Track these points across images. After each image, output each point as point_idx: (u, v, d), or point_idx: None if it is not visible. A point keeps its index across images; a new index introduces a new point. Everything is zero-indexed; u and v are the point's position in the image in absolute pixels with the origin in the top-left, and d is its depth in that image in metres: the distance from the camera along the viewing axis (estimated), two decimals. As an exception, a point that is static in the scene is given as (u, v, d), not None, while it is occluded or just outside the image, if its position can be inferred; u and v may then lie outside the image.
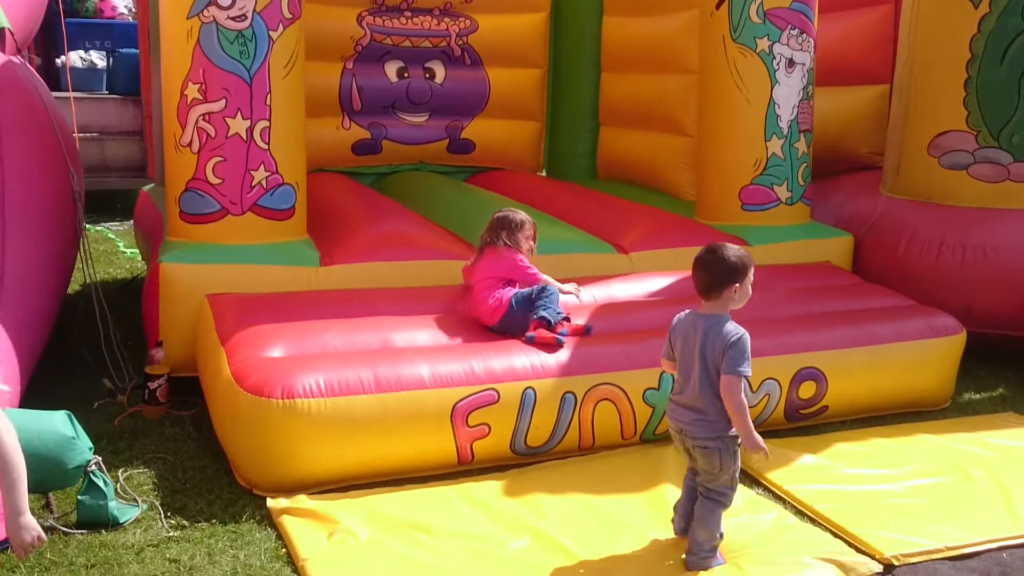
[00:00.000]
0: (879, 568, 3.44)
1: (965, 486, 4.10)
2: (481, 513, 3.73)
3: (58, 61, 9.78)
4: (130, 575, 3.26)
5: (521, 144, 8.02)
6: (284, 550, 3.45)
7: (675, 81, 7.02)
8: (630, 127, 7.64)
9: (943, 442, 4.55)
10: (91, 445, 3.57)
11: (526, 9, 7.78)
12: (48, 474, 3.43)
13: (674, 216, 6.19)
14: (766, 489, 4.05)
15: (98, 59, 10.07)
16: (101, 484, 3.52)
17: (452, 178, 7.56)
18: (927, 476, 4.17)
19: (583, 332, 4.45)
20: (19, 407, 3.72)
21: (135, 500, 3.73)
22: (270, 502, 3.74)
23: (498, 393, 4.04)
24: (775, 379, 4.52)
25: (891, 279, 5.74)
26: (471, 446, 4.05)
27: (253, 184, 4.87)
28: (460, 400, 3.99)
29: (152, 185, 6.98)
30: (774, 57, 5.83)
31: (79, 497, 3.52)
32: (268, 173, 4.89)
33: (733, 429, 3.29)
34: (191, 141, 4.81)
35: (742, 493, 3.76)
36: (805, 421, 4.70)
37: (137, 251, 7.55)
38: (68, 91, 6.84)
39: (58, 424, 3.47)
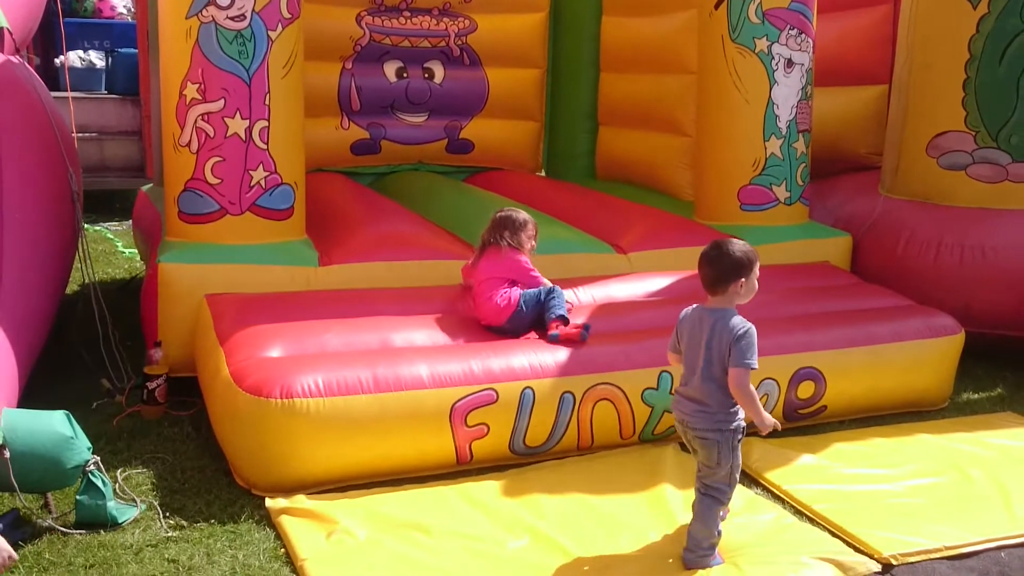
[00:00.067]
0: (878, 568, 3.44)
1: (964, 486, 4.11)
2: (480, 513, 3.73)
3: (57, 61, 9.78)
4: (129, 575, 3.26)
5: (520, 144, 8.02)
6: (283, 550, 3.46)
7: (674, 81, 7.02)
8: (629, 127, 7.64)
9: (942, 442, 4.55)
10: (90, 445, 3.57)
11: (525, 9, 7.78)
12: (46, 474, 3.43)
13: (673, 216, 6.19)
14: (765, 489, 4.05)
15: (97, 59, 10.06)
16: (100, 484, 3.52)
17: (451, 178, 7.55)
18: (926, 476, 4.17)
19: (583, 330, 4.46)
20: (18, 407, 3.72)
21: (134, 500, 3.73)
22: (269, 502, 3.74)
23: (497, 393, 4.05)
24: (774, 379, 4.53)
25: (890, 279, 5.74)
26: (470, 446, 4.05)
27: (252, 184, 4.87)
28: (459, 400, 3.99)
29: (151, 185, 6.97)
30: (773, 57, 5.83)
31: (78, 497, 3.52)
32: (267, 173, 4.89)
33: (734, 423, 3.33)
34: (190, 141, 4.81)
35: (741, 493, 3.76)
36: (804, 421, 4.70)
37: (136, 251, 7.54)
38: (67, 91, 6.85)
39: (56, 424, 3.47)
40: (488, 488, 3.93)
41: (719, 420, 3.32)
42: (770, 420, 3.34)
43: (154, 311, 4.72)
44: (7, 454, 3.31)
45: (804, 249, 5.94)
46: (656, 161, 7.27)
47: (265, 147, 4.86)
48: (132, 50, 9.57)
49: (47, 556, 3.33)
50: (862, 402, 4.82)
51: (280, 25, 4.84)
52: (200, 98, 4.76)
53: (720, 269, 3.34)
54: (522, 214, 4.79)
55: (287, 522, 3.58)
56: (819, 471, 4.20)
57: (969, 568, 3.47)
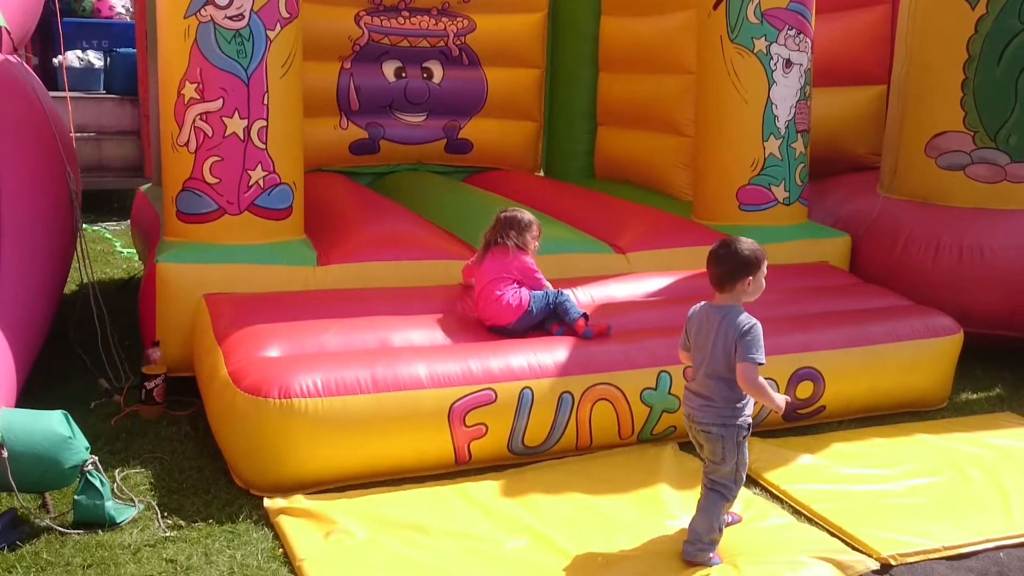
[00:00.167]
0: (876, 567, 3.44)
1: (962, 486, 4.11)
2: (478, 513, 3.73)
3: (55, 61, 9.78)
4: (127, 575, 3.26)
5: (519, 144, 8.02)
6: (281, 550, 3.45)
7: (673, 81, 7.01)
8: (628, 127, 7.64)
9: (940, 442, 4.55)
10: (88, 445, 3.56)
11: (524, 9, 7.78)
12: (45, 474, 3.43)
13: (672, 216, 6.19)
14: (764, 489, 4.05)
15: (95, 59, 10.06)
16: (98, 484, 3.51)
17: (450, 178, 7.55)
18: (924, 476, 4.18)
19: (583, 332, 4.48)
20: (16, 407, 3.72)
21: (132, 500, 3.72)
22: (267, 502, 3.74)
23: (495, 393, 4.04)
24: (773, 379, 4.47)
25: (888, 279, 5.74)
26: (468, 446, 4.05)
27: (250, 184, 4.86)
28: (457, 400, 3.98)
29: (149, 185, 6.97)
30: (771, 57, 5.83)
31: (76, 497, 3.52)
32: (265, 173, 4.89)
33: (739, 419, 3.35)
34: (188, 141, 4.81)
35: (740, 493, 3.75)
36: (803, 421, 4.70)
37: (134, 251, 7.54)
38: (65, 91, 6.85)
39: (55, 424, 3.47)
40: (487, 488, 3.92)
41: (723, 415, 3.35)
42: (781, 398, 3.40)
43: (152, 311, 4.71)
44: (5, 454, 3.30)
45: (803, 249, 5.94)
46: (655, 161, 7.27)
47: (263, 147, 4.86)
48: (130, 50, 9.56)
49: (45, 556, 3.32)
50: (861, 402, 4.82)
51: (278, 25, 4.83)
52: (198, 98, 4.76)
53: (728, 267, 3.37)
54: (527, 214, 4.78)
55: (285, 522, 3.58)
56: (818, 471, 4.20)
57: (968, 568, 3.47)
